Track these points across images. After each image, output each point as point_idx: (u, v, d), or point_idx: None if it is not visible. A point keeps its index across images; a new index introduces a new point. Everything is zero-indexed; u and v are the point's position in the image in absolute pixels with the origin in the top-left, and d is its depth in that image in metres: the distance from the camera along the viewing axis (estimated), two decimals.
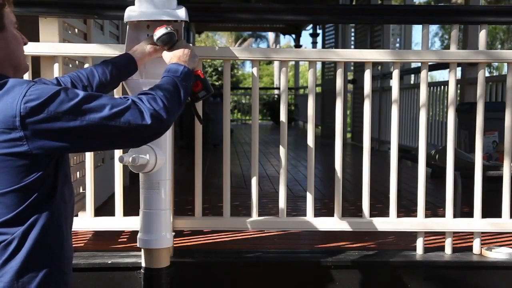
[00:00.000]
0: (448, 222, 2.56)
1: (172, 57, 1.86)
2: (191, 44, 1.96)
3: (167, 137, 2.18)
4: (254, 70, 2.51)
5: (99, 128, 1.37)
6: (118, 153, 2.44)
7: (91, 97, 1.39)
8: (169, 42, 1.91)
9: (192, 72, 1.78)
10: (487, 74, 4.59)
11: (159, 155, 2.10)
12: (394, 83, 2.57)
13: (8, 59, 1.46)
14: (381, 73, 7.51)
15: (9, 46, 1.46)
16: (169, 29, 1.91)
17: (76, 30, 3.16)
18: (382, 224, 2.56)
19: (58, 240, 1.44)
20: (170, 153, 2.23)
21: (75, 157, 3.00)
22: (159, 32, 1.92)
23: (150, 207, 2.20)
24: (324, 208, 3.46)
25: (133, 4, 2.19)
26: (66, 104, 1.34)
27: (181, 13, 2.16)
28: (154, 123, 1.42)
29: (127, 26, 2.21)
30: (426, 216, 2.58)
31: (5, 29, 1.45)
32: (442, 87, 5.81)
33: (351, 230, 2.57)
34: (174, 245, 2.50)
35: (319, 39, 11.62)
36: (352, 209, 3.36)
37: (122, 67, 1.98)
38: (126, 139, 1.45)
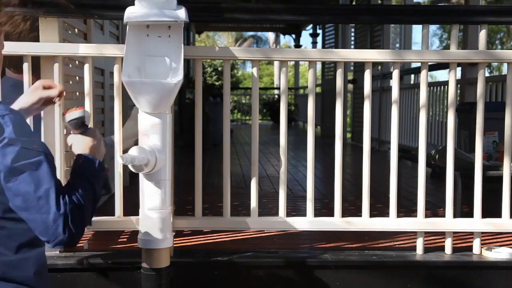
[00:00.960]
0: (448, 222, 2.56)
1: (85, 147, 1.67)
2: (98, 131, 1.81)
3: (167, 137, 2.18)
4: (254, 70, 2.51)
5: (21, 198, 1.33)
6: (117, 153, 2.44)
7: (41, 168, 1.35)
8: (80, 128, 1.74)
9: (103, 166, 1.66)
10: (487, 74, 4.59)
11: (159, 155, 2.10)
12: (394, 83, 2.57)
13: None
14: (381, 73, 7.51)
15: None
16: (82, 113, 1.73)
17: (76, 30, 3.16)
18: (382, 224, 2.56)
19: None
20: (170, 153, 2.23)
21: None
22: (70, 115, 1.73)
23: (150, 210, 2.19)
24: (324, 208, 3.45)
25: (133, 4, 2.19)
26: (18, 159, 1.32)
27: (181, 13, 2.16)
28: (66, 239, 1.37)
29: (127, 27, 2.21)
30: (426, 216, 2.58)
31: None
32: (442, 87, 5.81)
33: (351, 230, 2.57)
34: (174, 245, 2.49)
35: (319, 39, 11.64)
36: (352, 209, 3.36)
37: None
38: (35, 227, 1.37)
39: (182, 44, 2.20)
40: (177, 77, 2.15)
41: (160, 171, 2.16)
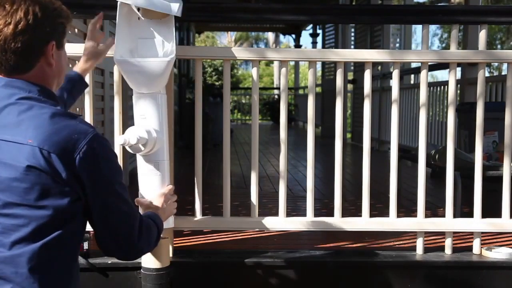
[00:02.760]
0: (448, 222, 2.56)
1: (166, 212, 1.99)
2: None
3: (164, 117, 2.15)
4: (254, 70, 2.51)
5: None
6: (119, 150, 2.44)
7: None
8: None
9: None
10: (487, 74, 4.59)
11: (157, 135, 2.07)
12: (394, 83, 2.57)
13: (57, 76, 1.49)
14: (381, 73, 7.51)
15: (61, 64, 1.50)
16: None
17: (76, 30, 3.16)
18: (382, 224, 2.56)
19: None
20: (167, 134, 2.19)
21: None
22: None
23: (149, 191, 2.14)
24: (324, 208, 3.45)
25: None
26: None
27: (174, 7, 2.13)
28: None
29: (117, 7, 2.20)
30: (426, 216, 2.58)
31: (63, 47, 1.50)
32: (442, 87, 5.81)
33: (351, 230, 2.57)
34: (174, 245, 2.50)
35: (319, 39, 11.63)
36: (352, 209, 3.36)
37: (74, 91, 2.02)
38: None
39: (174, 24, 2.17)
40: (170, 55, 2.14)
41: (158, 152, 2.12)
